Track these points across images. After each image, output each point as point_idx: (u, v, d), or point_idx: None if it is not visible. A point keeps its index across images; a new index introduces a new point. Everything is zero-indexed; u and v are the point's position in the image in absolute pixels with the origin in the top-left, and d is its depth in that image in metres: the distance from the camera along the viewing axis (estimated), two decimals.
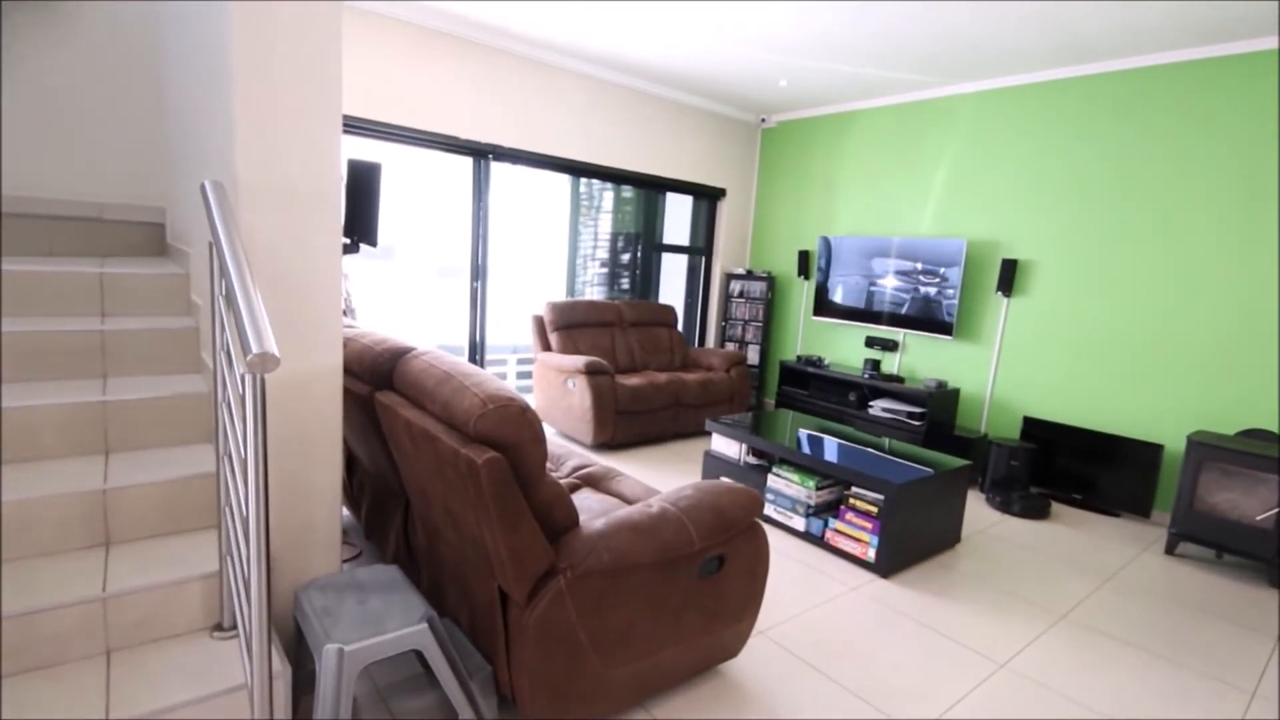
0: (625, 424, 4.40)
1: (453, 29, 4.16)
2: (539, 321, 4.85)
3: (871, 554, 2.88)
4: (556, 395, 4.53)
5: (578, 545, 1.59)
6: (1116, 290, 4.01)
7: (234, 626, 1.53)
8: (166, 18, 2.48)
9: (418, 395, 1.76)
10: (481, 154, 4.44)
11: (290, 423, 1.67)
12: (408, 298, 6.05)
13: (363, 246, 2.45)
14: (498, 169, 4.58)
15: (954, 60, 4.15)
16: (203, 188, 1.40)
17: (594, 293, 5.75)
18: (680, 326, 5.64)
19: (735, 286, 6.05)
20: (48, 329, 1.80)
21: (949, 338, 4.68)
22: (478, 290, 4.61)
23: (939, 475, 2.99)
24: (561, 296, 5.46)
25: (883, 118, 5.17)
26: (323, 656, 1.41)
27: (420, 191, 5.06)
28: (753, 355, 5.96)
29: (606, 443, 4.36)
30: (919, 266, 4.81)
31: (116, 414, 1.75)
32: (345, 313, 3.23)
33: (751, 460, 3.52)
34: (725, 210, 6.05)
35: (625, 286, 5.89)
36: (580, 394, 4.28)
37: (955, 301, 4.60)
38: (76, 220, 2.36)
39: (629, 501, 2.31)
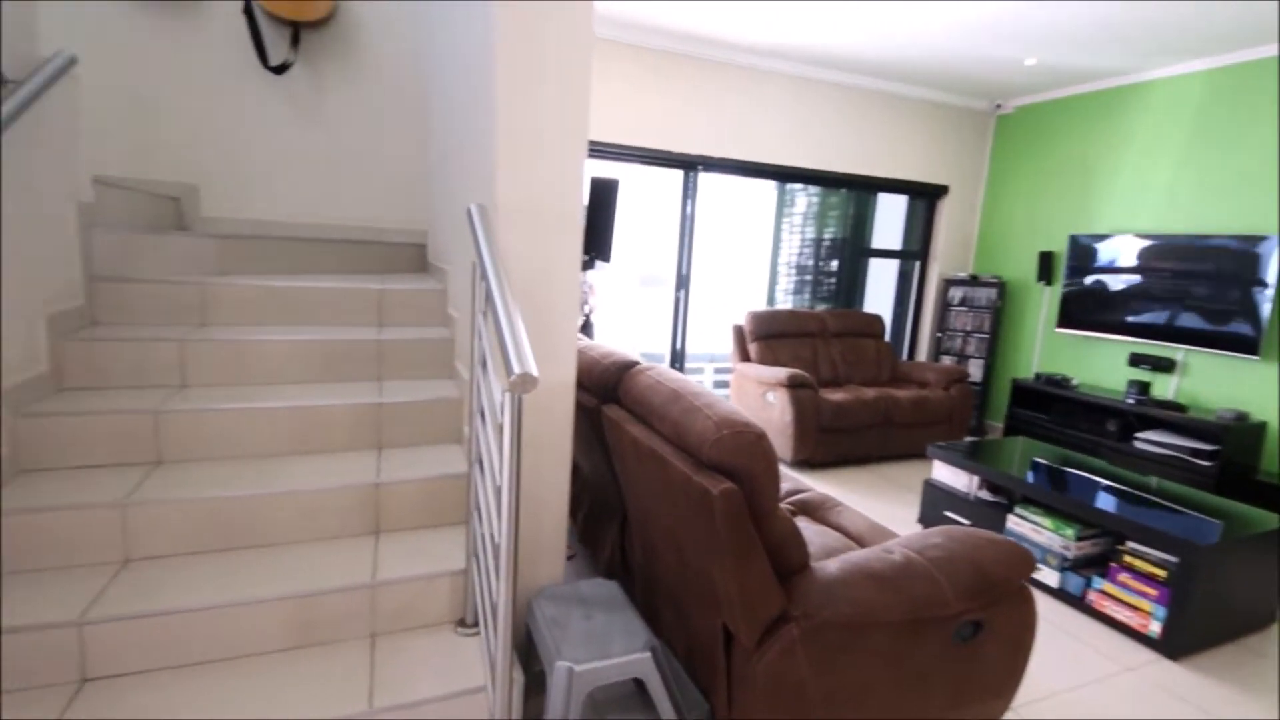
0: (827, 442, 4.10)
1: (664, 45, 4.20)
2: (738, 331, 4.72)
3: (1155, 628, 2.31)
4: (754, 408, 4.37)
5: (812, 591, 1.42)
6: None
7: (476, 624, 1.60)
8: (430, 62, 2.78)
9: (644, 412, 1.72)
10: (691, 166, 4.43)
11: (527, 434, 1.72)
12: (612, 306, 6.31)
13: (597, 262, 2.53)
14: (705, 179, 4.54)
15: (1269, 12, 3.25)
16: (469, 211, 1.47)
17: (795, 301, 5.48)
18: (887, 337, 5.16)
19: (955, 294, 5.39)
20: (342, 338, 2.06)
21: (1253, 357, 3.69)
22: (681, 300, 4.61)
23: (1256, 536, 2.32)
24: (761, 305, 5.28)
25: (1166, 91, 4.24)
26: (554, 672, 1.41)
27: (626, 204, 5.22)
28: (975, 371, 5.26)
29: (806, 461, 4.10)
30: (1211, 269, 3.86)
31: (388, 414, 1.94)
32: (585, 326, 3.37)
33: (985, 496, 3.06)
34: (946, 209, 5.43)
35: (829, 294, 5.54)
36: (780, 408, 4.07)
37: (1267, 312, 3.61)
38: (363, 243, 2.73)
39: (851, 536, 2.09)
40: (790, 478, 2.54)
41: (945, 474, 3.23)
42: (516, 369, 1.07)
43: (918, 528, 3.28)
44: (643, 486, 1.72)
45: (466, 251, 1.99)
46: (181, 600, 1.38)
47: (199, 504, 1.56)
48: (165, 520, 1.54)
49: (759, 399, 4.31)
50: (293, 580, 1.50)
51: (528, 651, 1.75)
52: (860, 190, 5.26)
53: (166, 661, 1.36)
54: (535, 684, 1.76)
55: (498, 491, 1.13)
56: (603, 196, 2.47)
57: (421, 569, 1.60)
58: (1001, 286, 5.14)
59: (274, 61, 2.72)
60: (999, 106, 5.32)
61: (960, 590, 1.51)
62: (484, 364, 1.49)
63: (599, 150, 4.16)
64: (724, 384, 5.59)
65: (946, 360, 5.46)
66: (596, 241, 2.44)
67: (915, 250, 5.58)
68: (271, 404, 1.82)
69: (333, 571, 1.55)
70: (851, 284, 5.55)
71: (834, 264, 5.49)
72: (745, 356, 4.66)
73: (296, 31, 2.73)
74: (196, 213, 2.72)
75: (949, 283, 5.45)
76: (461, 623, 1.62)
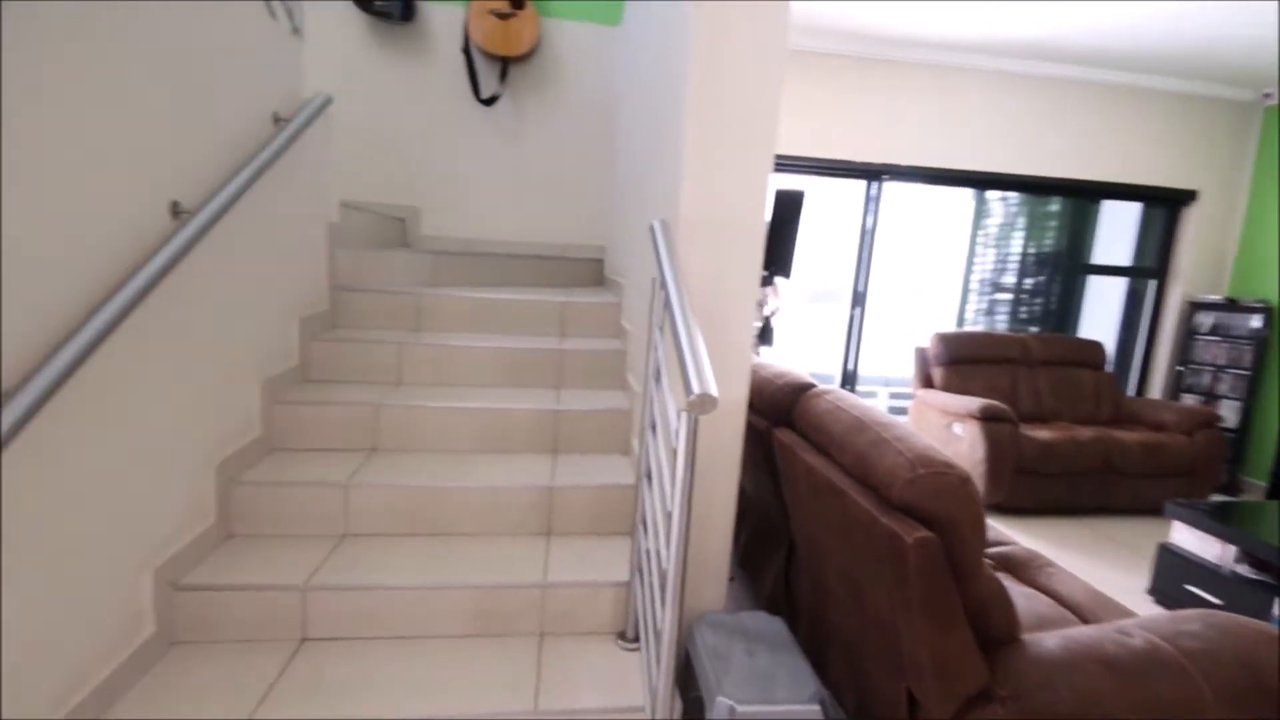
0: (1027, 485, 3.55)
1: (847, 49, 3.96)
2: (921, 354, 4.29)
3: None
4: (937, 441, 3.93)
5: (1025, 670, 1.19)
6: None
7: (636, 639, 1.57)
8: (620, 87, 2.87)
9: (822, 439, 1.58)
10: (874, 175, 4.13)
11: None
12: (778, 323, 6.11)
13: (776, 278, 2.43)
14: (890, 188, 4.21)
15: None
16: (651, 227, 1.46)
17: (988, 323, 4.88)
18: (1109, 368, 4.38)
19: (1204, 320, 4.44)
20: (528, 346, 2.18)
21: None
22: (856, 318, 4.31)
23: None
24: (949, 326, 4.77)
25: None
26: (714, 707, 1.32)
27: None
28: (1228, 414, 4.28)
29: (999, 505, 3.58)
30: None
31: (564, 421, 2.00)
32: (764, 334, 3.27)
33: (1245, 572, 2.43)
34: (1193, 219, 4.50)
35: (1033, 315, 4.85)
36: (970, 443, 3.61)
37: None
38: (548, 258, 2.89)
39: (1067, 605, 1.74)
40: (991, 528, 2.20)
41: (1189, 539, 2.62)
42: (696, 389, 1.01)
43: (1148, 601, 2.70)
44: (816, 519, 1.58)
45: (642, 266, 2.00)
46: (386, 578, 1.51)
47: (405, 490, 1.71)
48: (376, 502, 1.70)
49: (943, 430, 3.87)
50: (475, 571, 1.57)
51: (684, 675, 1.68)
52: (1079, 197, 4.55)
53: (370, 632, 1.50)
54: (691, 709, 1.69)
55: (668, 516, 1.08)
56: (786, 209, 2.36)
57: (587, 576, 1.60)
58: (1269, 313, 4.13)
59: (485, 95, 2.98)
60: (1268, 95, 4.31)
61: (1223, 694, 1.18)
62: (657, 377, 1.46)
63: (776, 163, 4.04)
64: (900, 410, 5.13)
65: (1189, 399, 4.51)
66: (777, 255, 2.33)
67: (1150, 267, 4.69)
68: (467, 404, 1.95)
69: (509, 567, 1.61)
70: (1064, 305, 4.80)
71: (1041, 281, 4.80)
72: (928, 382, 4.22)
73: (505, 66, 2.97)
74: (418, 231, 3.06)
75: (1195, 306, 4.50)
76: (622, 635, 1.60)
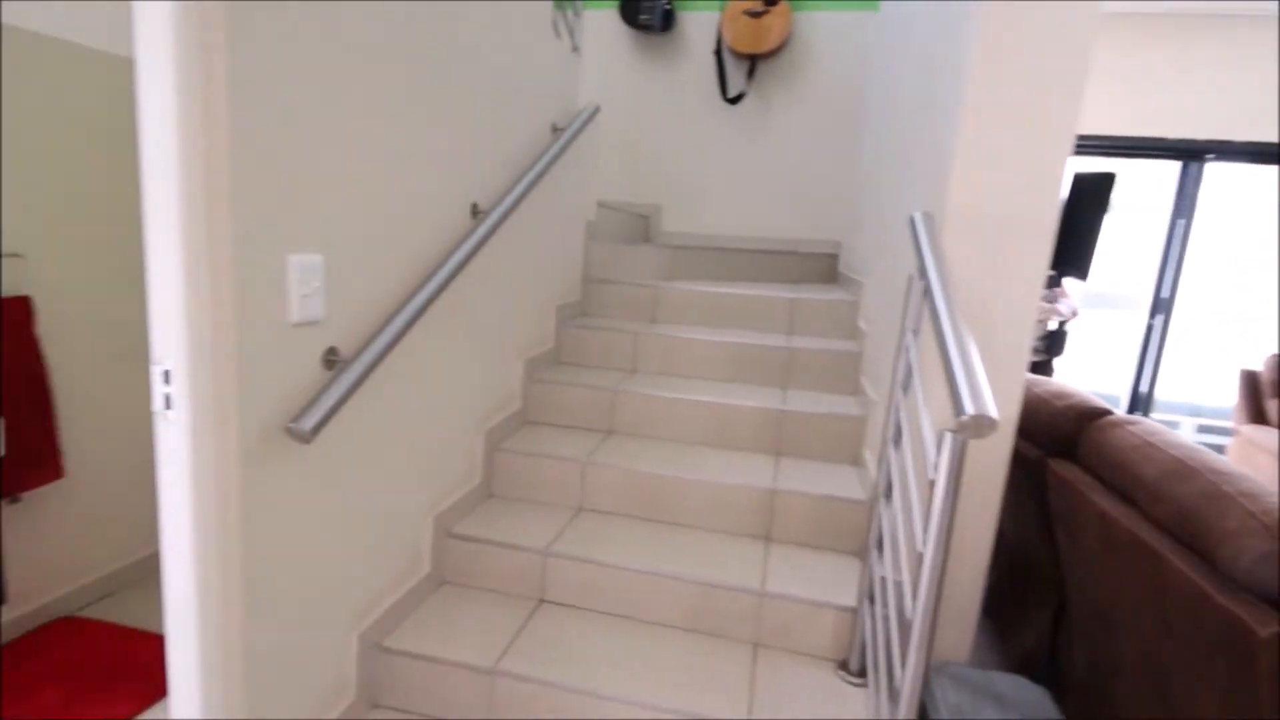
0: None
1: (1165, 7, 3.10)
2: (1249, 379, 3.25)
3: None
4: None
5: None
6: None
7: (862, 673, 1.39)
8: (872, 73, 2.60)
9: (1123, 480, 1.23)
10: (1195, 155, 3.22)
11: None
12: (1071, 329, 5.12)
13: (1064, 280, 2.00)
14: (1214, 171, 3.24)
15: None
16: (911, 220, 1.26)
17: None
18: None
19: None
20: (755, 342, 2.09)
21: None
22: (1155, 328, 3.42)
23: None
24: None
25: None
26: None
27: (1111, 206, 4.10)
28: None
29: None
30: None
31: (789, 422, 1.87)
32: (1053, 342, 2.77)
33: None
34: None
35: None
36: None
37: None
38: (779, 253, 2.76)
39: None
40: None
41: None
42: (970, 408, 0.82)
43: None
44: (1108, 580, 1.24)
45: (890, 263, 1.77)
46: (615, 556, 1.54)
47: (634, 475, 1.74)
48: (609, 482, 1.76)
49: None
50: (695, 565, 1.54)
51: None
52: None
53: (596, 605, 1.55)
54: None
55: (917, 556, 0.90)
56: (1087, 197, 1.89)
57: (807, 593, 1.47)
58: None
59: (731, 94, 2.93)
60: None
61: None
62: (906, 386, 1.26)
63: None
64: (1214, 448, 3.98)
65: None
66: (1071, 252, 1.88)
67: None
68: (693, 396, 1.93)
69: (728, 567, 1.54)
70: None
71: None
72: (1258, 416, 3.19)
73: (753, 64, 2.89)
74: (659, 228, 3.15)
75: None
76: (844, 665, 1.43)
